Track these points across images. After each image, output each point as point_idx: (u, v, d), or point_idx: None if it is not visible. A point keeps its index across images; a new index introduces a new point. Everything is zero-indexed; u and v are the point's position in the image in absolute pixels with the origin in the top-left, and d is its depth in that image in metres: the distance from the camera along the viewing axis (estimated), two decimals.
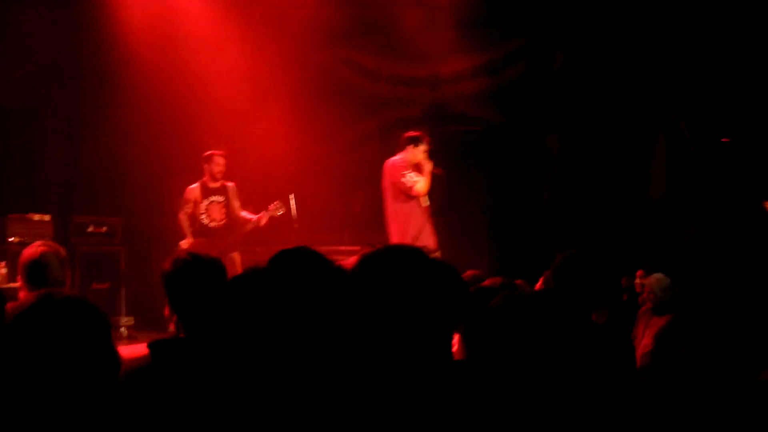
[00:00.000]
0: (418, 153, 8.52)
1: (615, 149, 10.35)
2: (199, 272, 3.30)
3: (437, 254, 8.16)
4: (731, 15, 9.50)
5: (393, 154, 8.68)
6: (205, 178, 9.34)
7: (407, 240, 8.13)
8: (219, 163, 9.28)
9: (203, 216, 9.23)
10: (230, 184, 9.42)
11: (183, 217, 9.26)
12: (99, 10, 10.50)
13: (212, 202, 9.28)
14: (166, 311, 3.41)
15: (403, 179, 8.41)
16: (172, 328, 3.34)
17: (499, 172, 10.83)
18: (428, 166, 8.53)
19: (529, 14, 10.80)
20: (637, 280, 7.67)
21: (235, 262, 9.00)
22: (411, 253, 1.68)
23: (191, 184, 9.37)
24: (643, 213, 10.21)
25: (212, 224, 9.26)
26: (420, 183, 8.44)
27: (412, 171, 8.48)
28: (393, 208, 8.52)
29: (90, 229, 10.18)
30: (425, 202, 8.63)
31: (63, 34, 10.69)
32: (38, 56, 10.34)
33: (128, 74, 10.68)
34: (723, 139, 9.69)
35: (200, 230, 9.22)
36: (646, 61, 10.05)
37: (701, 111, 9.71)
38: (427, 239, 8.33)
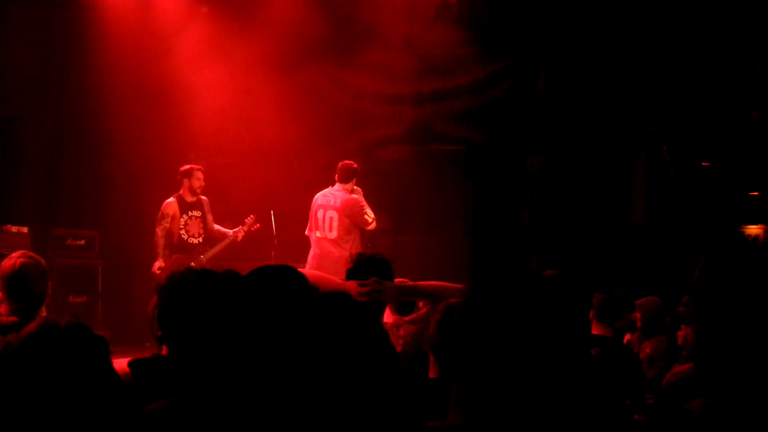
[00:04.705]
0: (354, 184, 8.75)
1: (596, 171, 10.39)
2: (197, 288, 3.20)
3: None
4: (713, 40, 9.58)
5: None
6: (182, 192, 9.17)
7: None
8: (199, 178, 9.14)
9: (182, 231, 9.10)
10: (204, 198, 9.28)
11: (160, 233, 8.99)
12: (83, 22, 10.47)
13: (191, 217, 9.14)
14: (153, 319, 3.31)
15: (366, 216, 8.57)
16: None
17: (481, 192, 10.82)
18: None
19: (514, 35, 10.85)
20: None
21: None
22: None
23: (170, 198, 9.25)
24: (623, 236, 10.24)
25: (192, 240, 9.14)
26: (374, 221, 8.67)
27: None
28: (342, 239, 8.52)
29: (68, 241, 10.09)
30: None
31: (46, 46, 10.63)
32: (20, 67, 10.26)
33: (111, 87, 10.61)
34: (704, 163, 9.76)
35: (180, 246, 9.07)
36: (628, 84, 10.12)
37: (682, 135, 9.77)
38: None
